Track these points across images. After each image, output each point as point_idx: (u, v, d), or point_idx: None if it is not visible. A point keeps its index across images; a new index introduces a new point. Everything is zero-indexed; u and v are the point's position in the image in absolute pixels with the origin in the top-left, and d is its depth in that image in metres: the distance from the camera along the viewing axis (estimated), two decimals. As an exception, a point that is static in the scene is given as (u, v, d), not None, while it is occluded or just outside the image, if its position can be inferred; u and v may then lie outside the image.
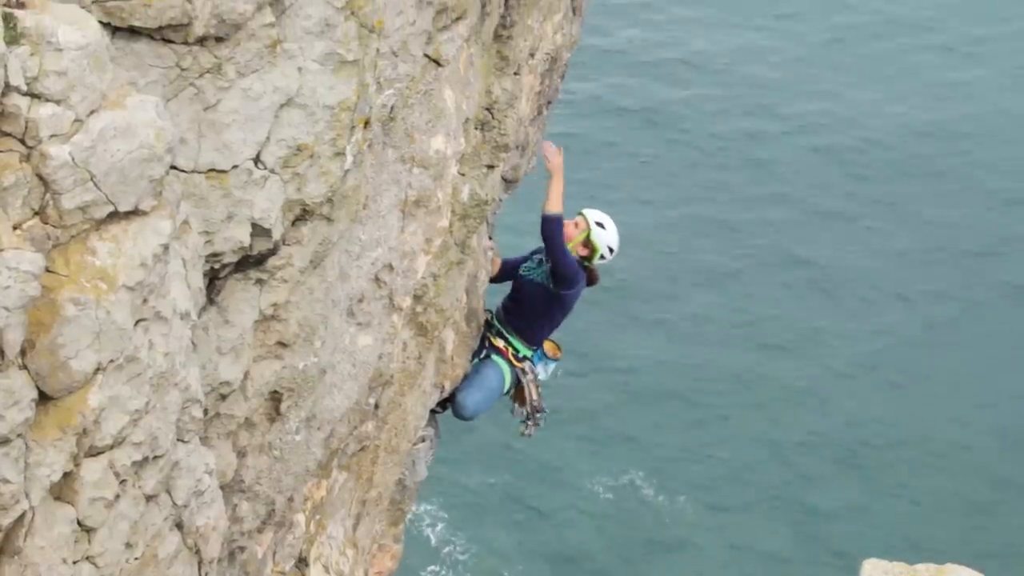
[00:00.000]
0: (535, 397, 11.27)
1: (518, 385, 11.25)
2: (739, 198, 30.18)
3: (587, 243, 10.99)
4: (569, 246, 10.86)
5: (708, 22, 37.13)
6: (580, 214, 11.04)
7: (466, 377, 10.72)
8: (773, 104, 33.50)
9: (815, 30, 37.06)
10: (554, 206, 10.44)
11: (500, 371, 11.02)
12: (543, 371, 11.36)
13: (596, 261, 11.06)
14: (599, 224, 11.01)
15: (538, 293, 10.98)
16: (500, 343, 11.04)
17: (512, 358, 11.05)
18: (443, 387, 10.18)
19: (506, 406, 11.45)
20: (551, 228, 10.50)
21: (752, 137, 32.21)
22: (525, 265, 11.12)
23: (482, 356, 11.00)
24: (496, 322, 11.10)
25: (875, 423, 24.65)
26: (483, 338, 11.03)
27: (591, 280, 11.13)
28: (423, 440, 10.56)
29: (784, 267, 28.17)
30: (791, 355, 25.99)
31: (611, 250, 11.04)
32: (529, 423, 11.37)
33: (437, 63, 8.04)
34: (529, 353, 11.15)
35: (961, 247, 29.39)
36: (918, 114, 33.72)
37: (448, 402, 10.81)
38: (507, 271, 11.15)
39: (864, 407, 25.01)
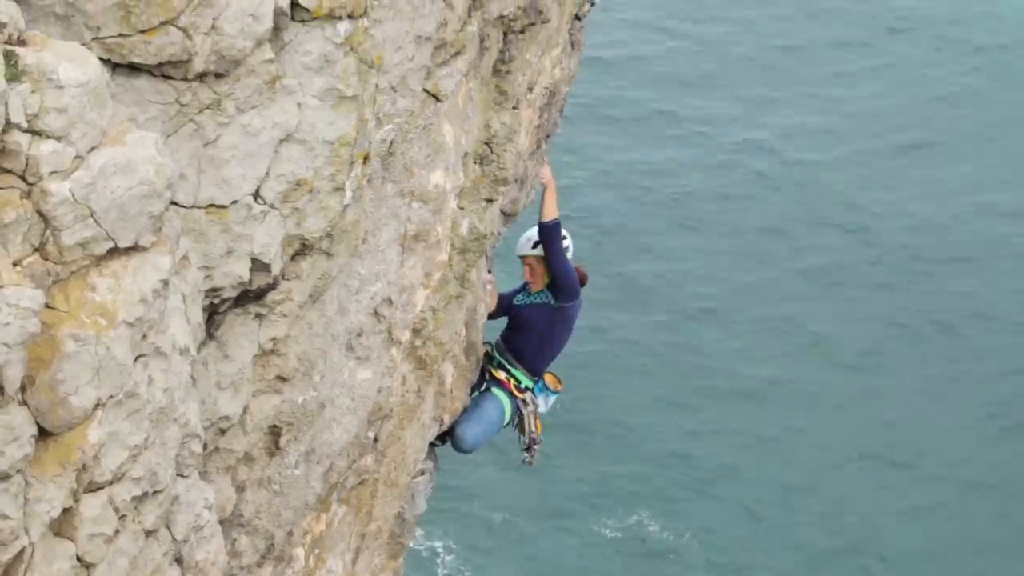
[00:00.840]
0: (533, 428, 11.33)
1: (520, 416, 11.29)
2: (739, 250, 30.13)
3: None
4: (546, 280, 11.05)
5: (711, 80, 36.98)
6: (522, 256, 11.18)
7: (465, 410, 10.75)
8: (777, 166, 33.28)
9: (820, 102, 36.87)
10: (551, 214, 10.73)
11: (500, 404, 11.06)
12: (543, 403, 11.41)
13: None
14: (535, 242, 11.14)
15: (540, 314, 11.09)
16: (501, 375, 11.08)
17: (514, 389, 11.09)
18: (442, 420, 10.19)
19: (509, 441, 11.49)
20: (552, 233, 10.75)
21: (750, 199, 32.05)
22: (518, 296, 11.21)
23: (482, 389, 11.03)
24: (496, 354, 11.14)
25: (881, 489, 24.50)
26: (483, 371, 11.06)
27: (582, 280, 11.22)
28: (422, 473, 10.56)
29: (785, 319, 28.01)
30: (795, 403, 25.94)
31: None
32: (529, 452, 11.46)
33: (436, 98, 8.08)
34: (531, 384, 11.19)
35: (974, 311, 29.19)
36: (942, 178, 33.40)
37: (447, 435, 10.82)
38: (503, 306, 11.21)
39: (867, 456, 24.89)
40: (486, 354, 11.06)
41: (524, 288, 11.25)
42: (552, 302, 11.04)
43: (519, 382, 11.11)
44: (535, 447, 11.45)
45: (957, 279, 29.36)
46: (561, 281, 10.93)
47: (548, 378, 11.39)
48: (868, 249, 30.04)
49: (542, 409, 11.39)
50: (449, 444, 10.92)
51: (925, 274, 29.35)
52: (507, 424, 11.25)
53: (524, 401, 11.19)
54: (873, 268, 29.42)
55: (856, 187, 32.10)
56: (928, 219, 31.00)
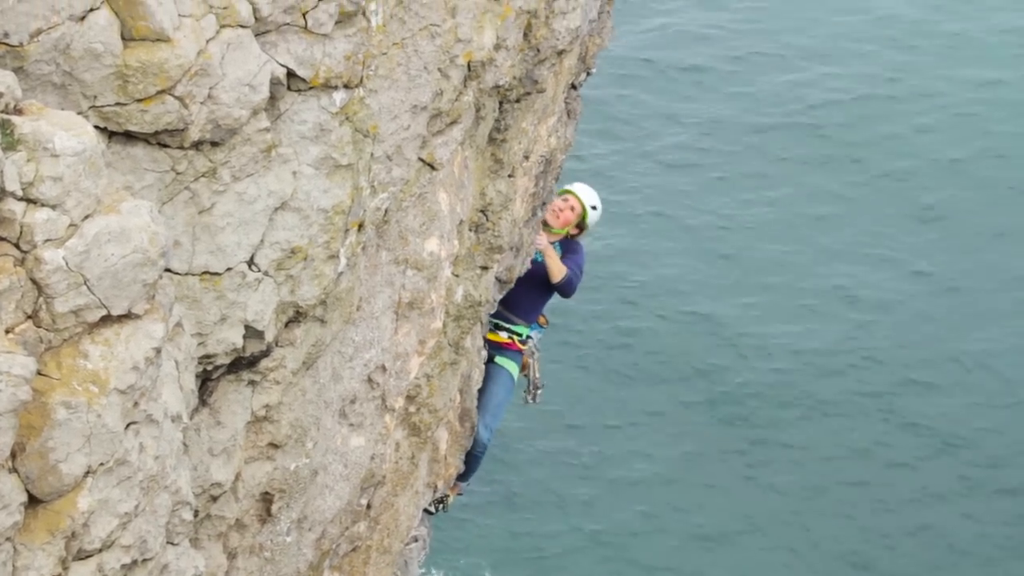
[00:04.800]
0: (537, 374, 11.74)
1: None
2: (737, 295, 29.98)
3: (580, 224, 11.78)
4: (563, 230, 11.65)
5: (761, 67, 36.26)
6: (570, 192, 11.74)
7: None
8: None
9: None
10: (560, 270, 11.38)
11: (505, 371, 11.28)
12: (536, 337, 11.82)
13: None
14: (594, 208, 11.78)
15: (542, 274, 11.50)
16: (503, 336, 11.27)
17: (519, 345, 11.37)
18: (436, 487, 10.18)
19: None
20: (570, 286, 11.48)
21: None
22: None
23: (485, 361, 11.19)
24: (490, 316, 11.29)
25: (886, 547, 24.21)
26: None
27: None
28: (415, 540, 10.54)
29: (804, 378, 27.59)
30: (794, 461, 25.66)
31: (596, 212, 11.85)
32: (533, 397, 11.72)
33: (431, 166, 8.12)
34: (529, 331, 11.52)
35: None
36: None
37: (442, 502, 10.86)
38: None
39: (874, 521, 24.59)
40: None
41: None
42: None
43: (520, 335, 11.34)
44: (538, 390, 11.83)
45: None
46: (566, 291, 11.55)
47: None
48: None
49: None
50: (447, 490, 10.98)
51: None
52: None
53: (530, 350, 11.53)
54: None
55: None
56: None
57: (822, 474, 25.09)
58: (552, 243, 11.57)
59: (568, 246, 11.75)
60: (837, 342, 26.87)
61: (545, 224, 11.61)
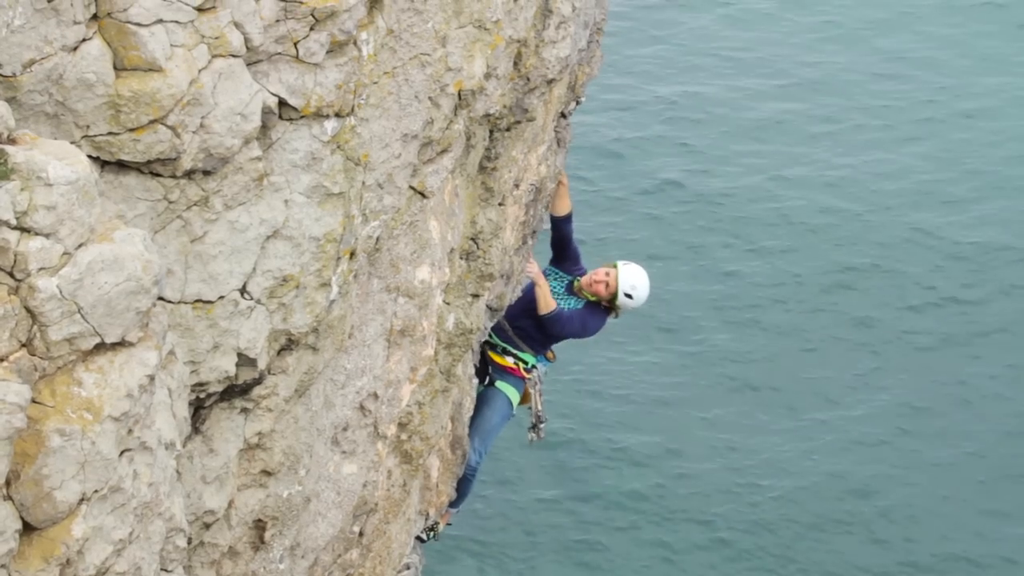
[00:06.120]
0: (539, 408, 11.58)
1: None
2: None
3: (611, 302, 11.50)
4: (593, 297, 11.43)
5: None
6: (615, 267, 11.51)
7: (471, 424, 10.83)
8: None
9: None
10: (548, 304, 11.14)
11: (504, 397, 11.19)
12: (541, 369, 11.71)
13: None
14: (628, 296, 11.42)
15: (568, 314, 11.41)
16: (508, 361, 11.20)
17: (524, 372, 11.25)
18: (427, 514, 10.19)
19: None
20: (557, 323, 11.20)
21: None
22: (553, 284, 11.56)
23: (486, 383, 11.12)
24: (499, 340, 11.21)
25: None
26: (484, 362, 11.15)
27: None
28: (407, 568, 10.54)
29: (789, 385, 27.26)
30: (792, 458, 25.40)
31: (632, 301, 11.52)
32: (535, 431, 11.64)
33: (422, 195, 8.17)
34: (535, 361, 11.42)
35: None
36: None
37: (433, 529, 10.86)
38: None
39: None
40: (486, 341, 11.15)
41: (568, 286, 11.52)
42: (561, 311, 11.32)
43: (526, 363, 11.28)
44: (541, 425, 11.69)
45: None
46: (550, 327, 11.30)
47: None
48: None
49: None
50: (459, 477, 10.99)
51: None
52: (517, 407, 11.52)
53: (533, 381, 11.42)
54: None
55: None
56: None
57: (824, 473, 24.98)
58: (579, 299, 11.51)
59: (592, 305, 11.58)
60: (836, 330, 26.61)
61: (576, 282, 11.58)
